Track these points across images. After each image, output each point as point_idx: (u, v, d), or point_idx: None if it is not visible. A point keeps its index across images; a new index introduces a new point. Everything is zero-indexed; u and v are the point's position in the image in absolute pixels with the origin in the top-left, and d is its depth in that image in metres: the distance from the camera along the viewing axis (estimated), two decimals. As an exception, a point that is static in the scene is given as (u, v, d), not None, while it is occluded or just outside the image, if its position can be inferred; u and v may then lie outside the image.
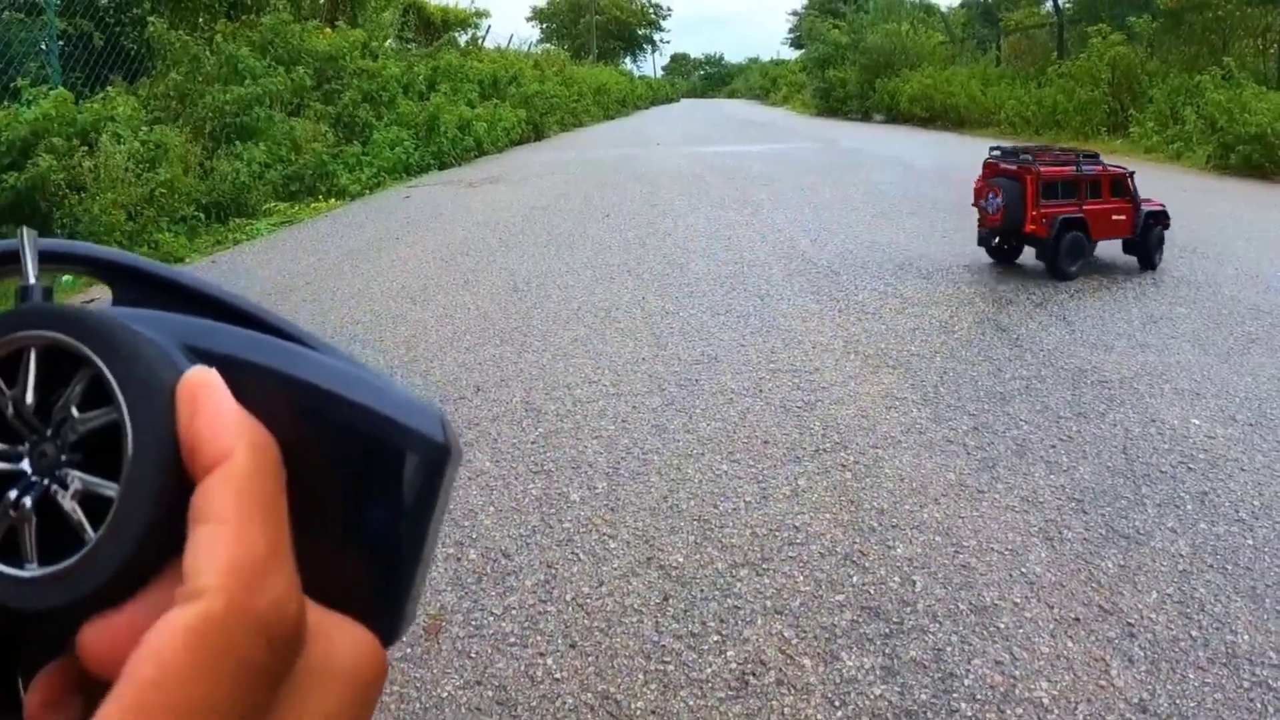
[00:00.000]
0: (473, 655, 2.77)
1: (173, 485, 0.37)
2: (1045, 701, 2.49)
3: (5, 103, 10.23)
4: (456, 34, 27.53)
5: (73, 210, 9.25)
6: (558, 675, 2.68)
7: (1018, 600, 2.94)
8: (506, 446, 4.20)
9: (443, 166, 16.78)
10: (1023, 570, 3.10)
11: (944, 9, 38.62)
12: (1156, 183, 12.11)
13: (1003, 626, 2.81)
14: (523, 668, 2.71)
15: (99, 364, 0.38)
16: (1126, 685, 2.55)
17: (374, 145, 15.20)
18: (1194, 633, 2.78)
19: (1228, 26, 18.08)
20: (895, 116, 29.04)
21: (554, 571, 3.20)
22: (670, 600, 3.01)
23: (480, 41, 28.77)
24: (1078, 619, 2.85)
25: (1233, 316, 5.93)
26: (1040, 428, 4.24)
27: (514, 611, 2.98)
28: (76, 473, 0.38)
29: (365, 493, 0.41)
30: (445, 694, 2.61)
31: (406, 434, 0.41)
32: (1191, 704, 2.49)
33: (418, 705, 2.57)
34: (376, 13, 19.86)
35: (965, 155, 16.85)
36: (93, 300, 6.20)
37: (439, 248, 8.97)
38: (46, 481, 0.38)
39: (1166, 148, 15.43)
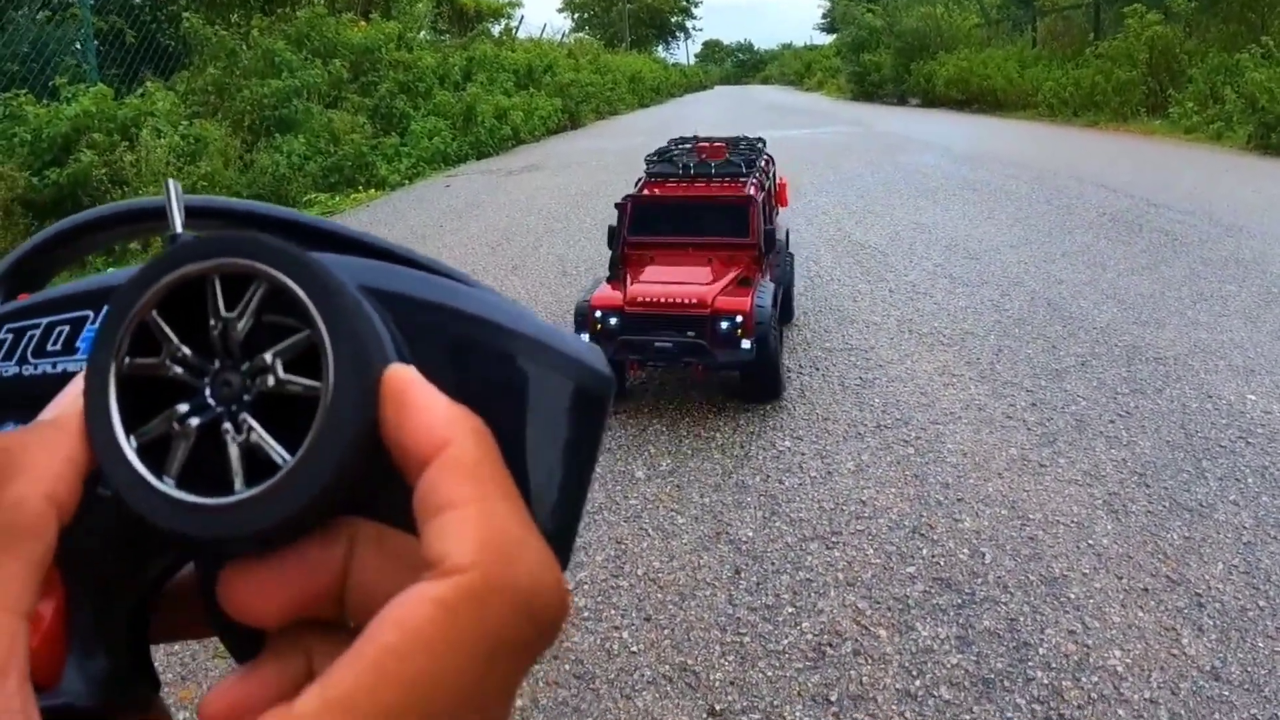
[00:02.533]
0: (548, 629, 2.81)
1: (358, 461, 0.35)
2: (1119, 669, 2.52)
3: (45, 101, 10.33)
4: (489, 24, 27.64)
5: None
6: (634, 648, 2.71)
7: (1086, 571, 2.97)
8: (567, 427, 4.23)
9: (480, 156, 16.81)
10: (1089, 542, 3.12)
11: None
12: (1198, 163, 12.07)
13: (1073, 597, 2.83)
14: (599, 641, 2.75)
15: (323, 336, 0.36)
16: (1198, 654, 2.58)
17: (412, 136, 15.24)
18: (1261, 602, 2.80)
19: (1266, 4, 17.83)
20: (931, 100, 28.72)
21: (624, 547, 3.24)
22: (742, 574, 3.04)
23: (514, 31, 28.84)
24: (1146, 589, 2.87)
25: (1283, 294, 5.90)
26: (1098, 404, 4.25)
27: (586, 586, 3.02)
28: (256, 425, 0.36)
29: (542, 427, 0.41)
30: (523, 667, 2.65)
31: (580, 368, 0.40)
32: (1263, 671, 2.51)
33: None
34: (410, 4, 19.90)
35: (1003, 138, 16.83)
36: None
37: (484, 234, 9.02)
38: (221, 409, 0.37)
39: (1207, 128, 15.22)
